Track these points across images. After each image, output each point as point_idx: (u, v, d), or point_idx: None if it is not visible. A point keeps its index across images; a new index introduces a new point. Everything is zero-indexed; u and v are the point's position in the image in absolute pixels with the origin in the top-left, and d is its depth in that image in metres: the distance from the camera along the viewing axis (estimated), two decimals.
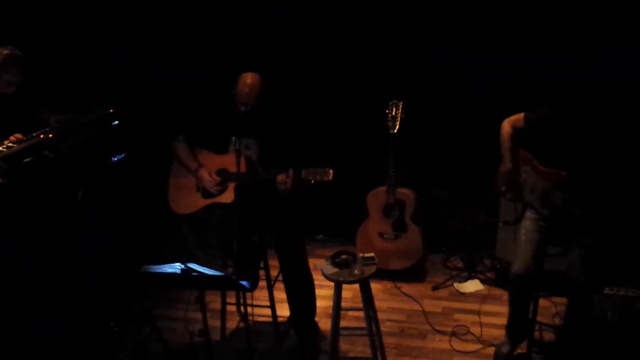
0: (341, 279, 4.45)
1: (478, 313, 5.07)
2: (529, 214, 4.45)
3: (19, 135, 4.50)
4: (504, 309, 4.86)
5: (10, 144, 4.45)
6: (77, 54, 5.91)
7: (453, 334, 4.90)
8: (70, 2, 5.84)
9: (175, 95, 6.05)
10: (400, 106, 5.37)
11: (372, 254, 4.61)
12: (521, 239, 4.40)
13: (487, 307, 5.18)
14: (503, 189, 4.50)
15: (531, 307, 4.51)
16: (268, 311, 4.73)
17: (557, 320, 4.89)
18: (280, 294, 4.76)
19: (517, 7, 5.50)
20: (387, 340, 4.77)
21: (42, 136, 4.51)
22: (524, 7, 5.47)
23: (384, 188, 5.50)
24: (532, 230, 4.39)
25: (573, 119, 4.25)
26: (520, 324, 4.55)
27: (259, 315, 4.90)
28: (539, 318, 4.71)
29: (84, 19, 5.92)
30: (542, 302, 4.88)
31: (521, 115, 4.42)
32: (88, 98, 5.78)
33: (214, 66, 5.97)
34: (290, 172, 4.39)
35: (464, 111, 5.77)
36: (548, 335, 4.81)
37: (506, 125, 4.44)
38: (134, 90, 6.03)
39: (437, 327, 4.99)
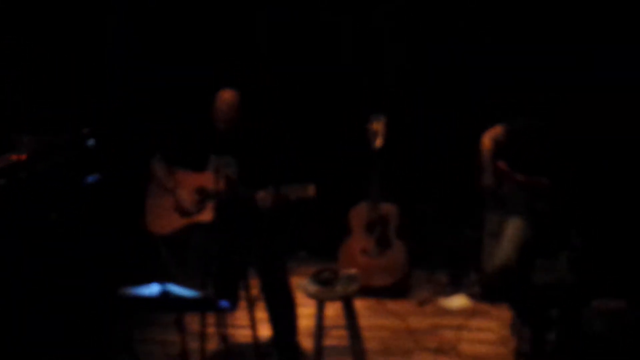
0: (324, 297, 4.41)
1: (464, 329, 5.01)
2: (514, 219, 4.41)
3: None
4: (491, 324, 4.83)
5: None
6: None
7: (439, 350, 4.83)
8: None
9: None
10: (383, 121, 5.33)
11: (355, 271, 4.56)
12: (505, 235, 4.36)
13: (473, 323, 5.12)
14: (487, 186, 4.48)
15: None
16: (249, 332, 4.65)
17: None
18: (261, 314, 4.69)
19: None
20: (372, 359, 4.69)
21: (14, 157, 4.45)
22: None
23: (366, 203, 5.44)
24: (518, 228, 4.36)
25: (554, 125, 4.25)
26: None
27: (240, 336, 4.82)
28: None
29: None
30: None
31: (499, 128, 4.42)
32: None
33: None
34: (270, 189, 4.34)
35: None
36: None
37: (486, 140, 4.44)
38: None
39: (422, 344, 4.92)
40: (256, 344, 4.66)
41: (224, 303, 3.98)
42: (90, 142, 4.66)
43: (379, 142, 5.33)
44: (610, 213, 5.19)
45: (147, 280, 3.84)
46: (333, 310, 4.94)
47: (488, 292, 5.31)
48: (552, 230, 4.39)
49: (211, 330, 4.82)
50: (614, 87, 4.87)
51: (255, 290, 4.70)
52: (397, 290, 5.55)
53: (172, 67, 6.11)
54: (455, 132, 5.80)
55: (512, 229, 4.40)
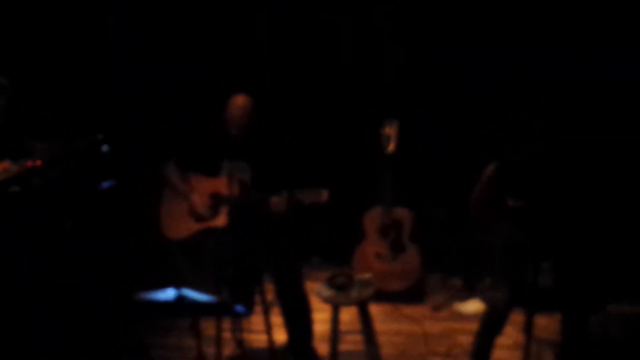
0: (339, 302, 4.41)
1: None
2: None
3: (5, 165, 4.45)
4: (506, 328, 4.78)
5: None
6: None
7: (454, 355, 4.81)
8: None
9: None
10: (395, 126, 5.33)
11: (370, 276, 4.56)
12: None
13: None
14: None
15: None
16: (264, 336, 4.64)
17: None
18: (276, 319, 4.69)
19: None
20: None
21: (29, 164, 4.46)
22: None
23: (380, 208, 5.44)
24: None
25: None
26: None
27: (256, 341, 4.82)
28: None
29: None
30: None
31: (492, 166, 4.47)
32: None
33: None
34: (284, 194, 4.34)
35: (464, 123, 5.74)
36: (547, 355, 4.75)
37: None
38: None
39: (437, 349, 4.91)
40: (272, 349, 4.65)
41: (239, 308, 3.98)
42: (105, 147, 4.68)
43: (391, 147, 5.33)
44: (617, 216, 5.18)
45: (163, 285, 3.85)
46: (348, 315, 4.94)
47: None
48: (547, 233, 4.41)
49: (227, 335, 4.83)
50: (613, 87, 4.85)
51: (270, 295, 4.71)
52: (412, 294, 5.55)
53: (172, 67, 6.11)
54: (453, 149, 5.81)
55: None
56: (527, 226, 4.40)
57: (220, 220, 4.58)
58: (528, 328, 4.46)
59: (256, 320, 4.71)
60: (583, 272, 4.38)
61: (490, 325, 4.50)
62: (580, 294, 4.35)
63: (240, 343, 4.68)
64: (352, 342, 4.87)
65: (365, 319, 4.51)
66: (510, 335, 4.81)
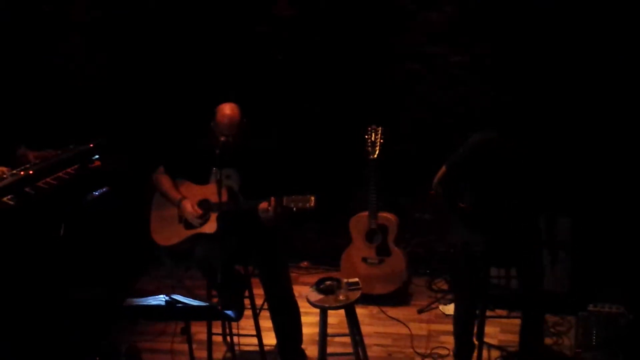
0: (326, 305, 4.47)
1: None
2: None
3: (3, 169, 4.47)
4: (490, 329, 4.89)
5: None
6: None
7: (440, 356, 4.91)
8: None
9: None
10: (380, 131, 5.39)
11: (356, 279, 4.63)
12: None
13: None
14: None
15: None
16: (254, 340, 4.72)
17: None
18: (266, 323, 4.76)
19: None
20: None
21: (22, 173, 4.49)
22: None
23: (366, 213, 5.51)
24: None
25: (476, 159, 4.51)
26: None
27: (246, 345, 4.87)
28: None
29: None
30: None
31: (443, 168, 4.61)
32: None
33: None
34: (272, 200, 4.40)
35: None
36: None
37: (438, 186, 4.68)
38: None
39: (423, 351, 5.00)
40: (262, 352, 4.73)
41: (229, 312, 4.03)
42: (96, 156, 4.71)
43: (376, 152, 5.38)
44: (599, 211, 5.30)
45: (153, 291, 3.90)
46: (336, 318, 5.02)
47: None
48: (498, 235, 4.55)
49: (218, 339, 4.90)
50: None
51: (259, 300, 4.77)
52: (398, 297, 5.60)
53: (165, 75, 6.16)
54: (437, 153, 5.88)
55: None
56: (479, 228, 4.53)
57: (210, 227, 4.63)
58: (480, 332, 4.60)
59: (246, 324, 4.77)
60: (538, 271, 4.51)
61: (460, 325, 4.62)
62: (539, 295, 4.48)
63: (230, 346, 4.74)
64: (340, 345, 4.94)
65: (353, 321, 4.57)
66: (493, 337, 4.91)
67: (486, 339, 4.77)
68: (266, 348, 4.79)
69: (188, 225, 4.71)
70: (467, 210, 4.58)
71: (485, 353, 4.76)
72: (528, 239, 4.55)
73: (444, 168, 4.65)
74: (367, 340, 4.76)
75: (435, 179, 4.67)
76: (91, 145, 4.73)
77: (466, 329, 4.62)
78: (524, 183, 4.47)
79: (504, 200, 4.48)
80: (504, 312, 5.26)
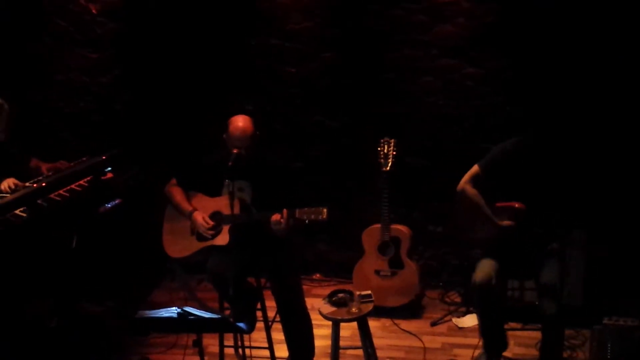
0: (339, 318, 4.46)
1: (477, 348, 5.04)
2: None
3: (15, 180, 4.50)
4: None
5: (3, 195, 4.45)
6: None
7: None
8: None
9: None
10: (392, 143, 5.39)
11: (369, 292, 4.61)
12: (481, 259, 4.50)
13: None
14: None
15: None
16: (266, 352, 4.71)
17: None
18: (278, 335, 4.74)
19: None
20: None
21: (35, 185, 4.51)
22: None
23: (378, 225, 5.50)
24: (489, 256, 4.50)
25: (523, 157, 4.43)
26: (493, 335, 4.59)
27: (258, 357, 4.87)
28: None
29: None
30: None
31: (474, 168, 4.53)
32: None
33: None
34: (284, 212, 4.39)
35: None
36: None
37: (467, 187, 4.56)
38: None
39: None
40: None
41: (241, 324, 4.01)
42: (109, 168, 4.73)
43: (388, 165, 5.37)
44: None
45: (166, 303, 3.89)
46: (348, 330, 5.00)
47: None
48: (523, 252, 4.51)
49: (229, 351, 4.88)
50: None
51: (272, 312, 4.76)
52: (411, 310, 5.58)
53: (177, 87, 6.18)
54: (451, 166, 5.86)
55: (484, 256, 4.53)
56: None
57: (222, 239, 4.62)
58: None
59: (258, 336, 4.76)
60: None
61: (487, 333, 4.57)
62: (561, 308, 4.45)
63: (242, 359, 4.72)
64: (352, 357, 4.93)
65: (365, 334, 4.56)
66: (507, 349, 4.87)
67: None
68: None
69: (200, 237, 4.70)
70: (520, 212, 4.49)
71: None
72: (549, 250, 4.52)
73: (476, 167, 4.59)
74: (379, 353, 4.74)
75: (465, 179, 4.59)
76: (104, 157, 4.76)
77: (495, 333, 4.60)
78: (559, 192, 4.44)
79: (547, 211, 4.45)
80: (518, 325, 5.22)
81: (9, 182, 4.53)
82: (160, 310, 3.87)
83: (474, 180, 4.55)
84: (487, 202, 4.51)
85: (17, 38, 5.96)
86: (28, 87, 6.05)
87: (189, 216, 4.69)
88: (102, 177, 4.70)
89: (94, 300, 5.16)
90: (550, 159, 4.44)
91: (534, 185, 4.44)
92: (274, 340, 4.71)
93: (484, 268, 4.43)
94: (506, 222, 4.47)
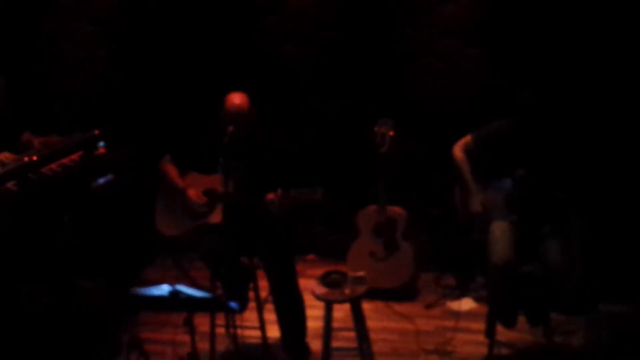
0: (332, 299, 4.43)
1: (471, 332, 5.02)
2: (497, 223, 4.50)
3: (7, 154, 4.44)
4: (498, 327, 4.82)
5: None
6: None
7: (446, 353, 4.84)
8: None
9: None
10: (391, 124, 5.33)
11: (363, 274, 4.58)
12: (496, 236, 4.43)
13: (480, 325, 5.11)
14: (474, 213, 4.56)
15: None
16: (258, 333, 4.68)
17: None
18: (270, 315, 4.71)
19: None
20: None
21: (26, 159, 4.45)
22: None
23: (374, 207, 5.46)
24: (507, 230, 4.42)
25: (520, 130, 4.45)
26: (505, 315, 4.56)
27: (249, 337, 4.84)
28: None
29: None
30: None
31: (468, 137, 4.49)
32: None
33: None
34: (279, 191, 4.35)
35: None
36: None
37: (458, 151, 4.59)
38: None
39: (430, 347, 4.93)
40: (265, 345, 4.69)
41: (233, 304, 3.98)
42: (101, 143, 4.67)
43: (386, 146, 5.32)
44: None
45: (157, 281, 3.86)
46: (341, 312, 4.96)
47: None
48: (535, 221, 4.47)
49: (221, 330, 4.85)
50: None
51: (264, 292, 4.73)
52: (405, 293, 5.56)
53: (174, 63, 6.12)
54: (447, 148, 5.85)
55: (500, 232, 4.46)
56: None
57: (216, 218, 4.59)
58: (490, 330, 4.54)
59: (250, 316, 4.73)
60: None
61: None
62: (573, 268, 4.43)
63: (233, 339, 4.69)
64: (344, 339, 4.90)
65: (358, 316, 4.52)
66: (502, 333, 4.83)
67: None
68: (270, 341, 4.74)
69: (194, 216, 4.66)
70: (522, 177, 4.47)
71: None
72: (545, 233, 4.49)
73: (468, 137, 4.57)
74: (372, 335, 4.70)
75: (457, 143, 4.61)
76: (96, 132, 4.70)
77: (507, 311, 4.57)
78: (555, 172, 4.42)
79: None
80: None
81: (5, 156, 4.48)
82: (152, 287, 3.83)
83: (464, 146, 4.60)
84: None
85: (15, 13, 5.90)
86: (23, 61, 5.98)
87: (182, 193, 4.65)
88: (95, 152, 4.63)
89: (85, 277, 5.11)
90: (546, 141, 4.41)
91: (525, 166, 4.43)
92: (265, 321, 4.67)
93: (502, 247, 4.38)
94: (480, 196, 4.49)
